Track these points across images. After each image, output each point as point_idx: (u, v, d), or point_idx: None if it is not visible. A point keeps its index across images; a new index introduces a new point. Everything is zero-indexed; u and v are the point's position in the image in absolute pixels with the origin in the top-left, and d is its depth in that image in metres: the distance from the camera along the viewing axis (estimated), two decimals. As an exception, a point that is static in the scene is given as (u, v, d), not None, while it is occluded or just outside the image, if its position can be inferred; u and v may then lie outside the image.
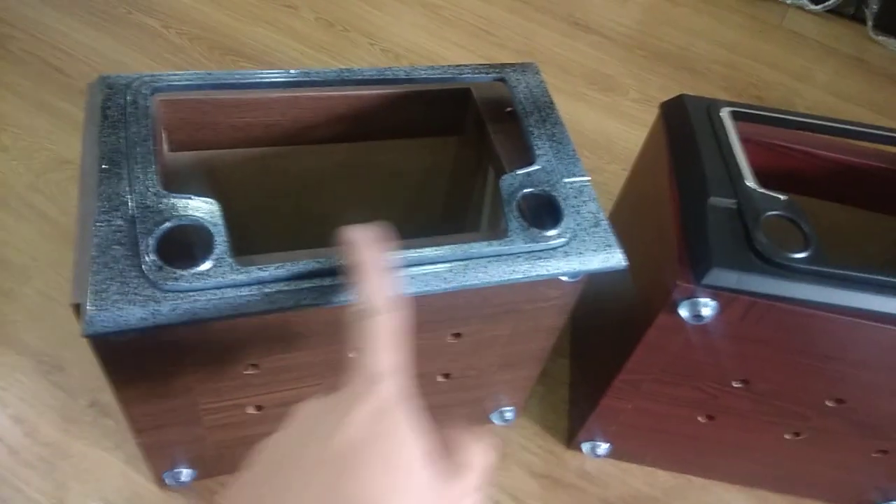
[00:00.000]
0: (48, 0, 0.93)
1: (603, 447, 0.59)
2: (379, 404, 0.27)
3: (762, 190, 0.43)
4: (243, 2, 0.99)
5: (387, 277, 0.31)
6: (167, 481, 0.52)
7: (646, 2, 1.18)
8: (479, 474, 0.29)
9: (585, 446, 0.59)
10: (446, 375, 0.52)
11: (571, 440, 0.61)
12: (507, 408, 0.60)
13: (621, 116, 0.95)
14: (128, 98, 0.40)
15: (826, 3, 1.19)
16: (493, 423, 0.61)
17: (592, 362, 0.59)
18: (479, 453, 0.30)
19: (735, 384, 0.48)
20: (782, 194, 0.43)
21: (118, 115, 0.39)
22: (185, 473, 0.52)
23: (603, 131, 0.92)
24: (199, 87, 0.43)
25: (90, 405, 0.58)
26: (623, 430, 0.57)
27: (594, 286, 0.46)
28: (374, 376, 0.28)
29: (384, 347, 0.29)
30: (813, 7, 1.20)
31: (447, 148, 0.55)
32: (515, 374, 0.55)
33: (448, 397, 0.55)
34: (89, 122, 0.40)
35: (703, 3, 1.18)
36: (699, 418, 0.53)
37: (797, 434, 0.52)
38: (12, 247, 0.67)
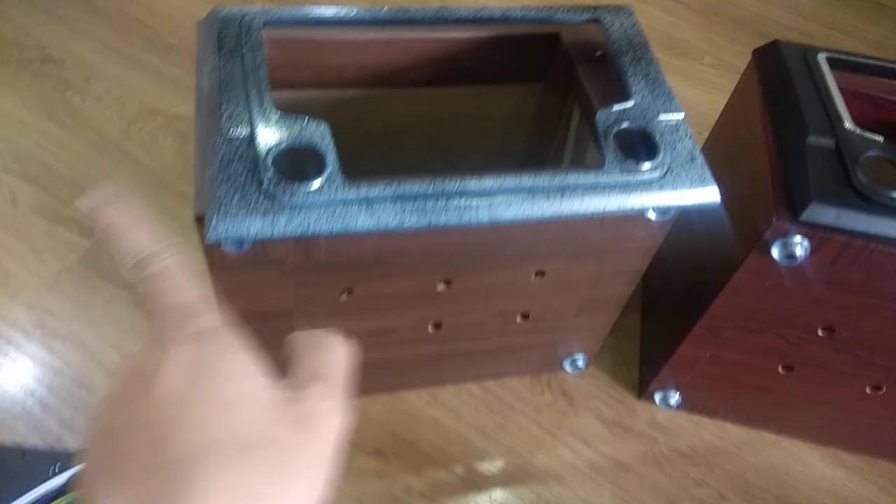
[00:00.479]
0: (135, -40, 0.96)
1: (675, 397, 0.60)
2: (196, 342, 0.24)
3: (861, 131, 0.42)
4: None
5: (146, 226, 0.27)
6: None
7: (721, -33, 1.15)
8: (335, 379, 0.26)
9: (657, 395, 0.60)
10: (525, 316, 0.53)
11: (643, 391, 0.61)
12: (580, 355, 0.61)
13: (696, 81, 0.93)
14: (242, 29, 0.42)
15: (912, -29, 1.15)
16: (565, 370, 0.62)
17: (669, 312, 0.60)
18: (331, 356, 0.26)
19: (820, 332, 0.48)
20: (880, 136, 0.42)
21: (234, 44, 0.41)
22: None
23: (678, 95, 0.91)
24: (305, 22, 0.45)
25: (182, 336, 0.61)
26: (697, 381, 0.57)
27: (673, 233, 0.46)
28: (182, 315, 0.25)
29: (180, 286, 0.26)
30: (897, -26, 1.16)
31: (531, 95, 0.55)
32: (592, 319, 0.56)
33: (524, 339, 0.56)
34: (203, 51, 0.42)
35: (781, -30, 1.15)
36: (778, 369, 0.53)
37: (878, 388, 0.52)
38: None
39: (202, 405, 0.23)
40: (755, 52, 0.51)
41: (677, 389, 0.59)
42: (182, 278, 0.26)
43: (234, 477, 0.22)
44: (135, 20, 0.88)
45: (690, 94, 0.92)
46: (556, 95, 0.54)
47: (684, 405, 0.60)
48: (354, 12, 0.46)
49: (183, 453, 0.22)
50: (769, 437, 0.61)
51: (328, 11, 0.46)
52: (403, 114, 0.55)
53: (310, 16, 0.46)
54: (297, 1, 0.95)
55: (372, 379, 0.57)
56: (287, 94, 0.51)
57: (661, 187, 0.40)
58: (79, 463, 0.24)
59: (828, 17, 1.08)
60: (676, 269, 0.60)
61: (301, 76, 0.50)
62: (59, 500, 0.50)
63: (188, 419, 0.22)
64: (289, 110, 0.39)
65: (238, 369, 0.24)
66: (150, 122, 0.77)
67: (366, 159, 0.58)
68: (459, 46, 0.51)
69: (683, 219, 0.45)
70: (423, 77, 0.53)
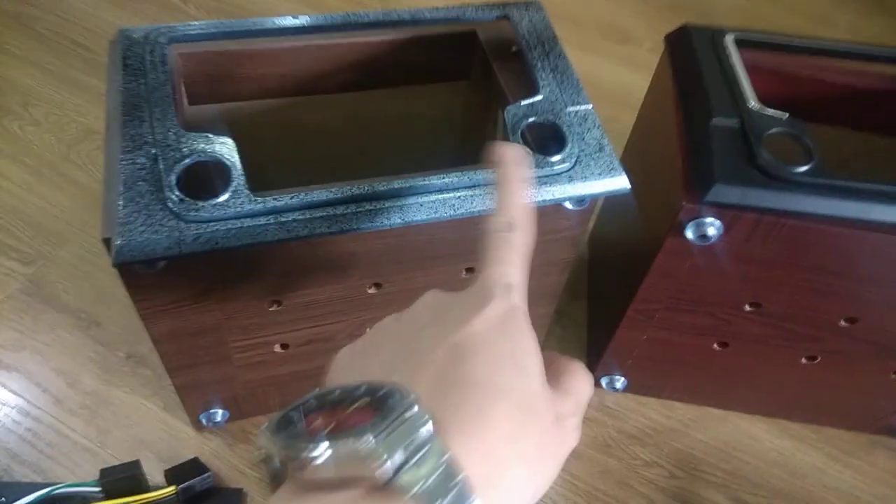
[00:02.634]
0: (69, -20, 0.96)
1: (620, 381, 0.60)
2: (508, 310, 0.27)
3: (765, 109, 0.43)
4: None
5: (527, 198, 0.31)
6: (203, 422, 0.55)
7: (659, -49, 1.16)
8: (582, 403, 0.29)
9: (603, 381, 0.61)
10: (464, 313, 0.53)
11: (590, 377, 0.62)
12: (527, 347, 0.61)
13: (637, 67, 0.94)
14: (146, 48, 0.42)
15: (846, -56, 1.16)
16: (513, 362, 0.63)
17: (608, 299, 0.60)
18: (584, 381, 0.29)
19: (747, 308, 0.49)
20: (784, 113, 0.43)
21: (138, 63, 0.41)
22: (220, 414, 0.55)
23: (619, 82, 0.92)
24: (212, 36, 0.45)
25: (128, 357, 0.61)
26: (639, 363, 0.58)
27: (608, 224, 0.47)
28: (506, 285, 0.28)
29: (517, 262, 0.29)
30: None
31: (456, 93, 0.56)
32: (532, 310, 0.56)
33: (467, 335, 0.56)
34: (112, 73, 0.42)
35: (717, -50, 1.17)
36: (713, 346, 0.54)
37: (812, 358, 0.53)
38: (48, 213, 0.70)
39: (503, 356, 0.26)
40: (667, 36, 0.52)
41: (622, 373, 0.60)
42: (519, 258, 0.30)
43: (513, 426, 0.24)
44: (72, 42, 0.88)
45: (631, 79, 0.92)
46: (479, 93, 0.55)
47: (630, 388, 0.61)
48: (261, 23, 0.46)
49: (482, 382, 0.25)
50: (716, 412, 0.62)
51: (236, 24, 0.46)
52: (329, 120, 0.55)
53: (219, 29, 0.46)
54: (242, 14, 0.95)
55: (317, 388, 0.57)
56: (207, 108, 0.51)
57: (570, 179, 0.41)
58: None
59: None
60: (612, 254, 0.61)
61: (220, 89, 0.50)
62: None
63: (492, 360, 0.25)
64: (209, 125, 0.39)
65: (531, 348, 0.27)
66: (90, 143, 0.77)
67: (293, 169, 0.58)
68: (378, 49, 0.52)
69: (614, 203, 0.45)
70: (345, 82, 0.53)
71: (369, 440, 0.21)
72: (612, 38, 0.99)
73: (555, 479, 0.26)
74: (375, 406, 0.23)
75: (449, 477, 0.22)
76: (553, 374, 0.28)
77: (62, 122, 0.79)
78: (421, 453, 0.22)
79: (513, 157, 0.32)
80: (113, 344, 0.61)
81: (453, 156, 0.60)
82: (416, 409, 0.22)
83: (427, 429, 0.22)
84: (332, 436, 0.22)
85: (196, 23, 0.45)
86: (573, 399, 0.28)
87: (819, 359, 0.53)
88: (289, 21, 0.47)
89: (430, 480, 0.21)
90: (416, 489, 0.21)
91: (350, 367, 0.28)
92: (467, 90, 0.56)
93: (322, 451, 0.22)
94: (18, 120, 0.78)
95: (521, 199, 0.31)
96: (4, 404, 0.57)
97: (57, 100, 0.81)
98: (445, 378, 0.25)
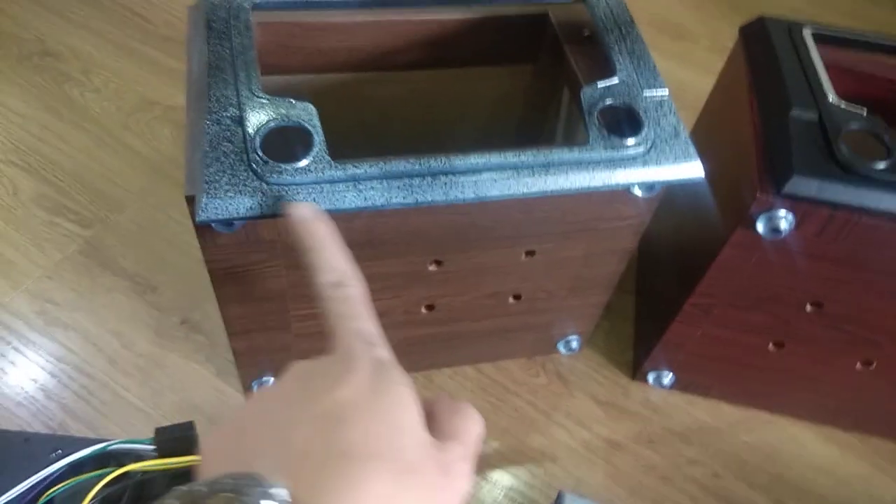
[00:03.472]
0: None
1: (668, 377, 0.60)
2: (376, 367, 0.27)
3: (844, 105, 0.43)
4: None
5: (342, 249, 0.30)
6: (255, 389, 0.56)
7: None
8: (470, 445, 0.28)
9: (651, 376, 0.61)
10: (517, 297, 0.54)
11: (637, 371, 0.62)
12: (574, 336, 0.61)
13: (693, 65, 0.93)
14: (231, 12, 0.43)
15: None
16: (559, 351, 0.63)
17: (661, 292, 0.60)
18: (470, 423, 0.29)
19: (808, 307, 0.49)
20: (863, 109, 0.42)
21: (222, 27, 0.42)
22: (268, 382, 0.55)
23: (674, 79, 0.91)
24: (293, 5, 0.45)
25: (182, 322, 0.62)
26: (689, 360, 0.58)
27: (661, 217, 0.47)
28: (367, 342, 0.28)
29: (366, 315, 0.29)
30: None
31: (521, 76, 0.56)
32: (585, 299, 0.56)
33: (517, 320, 0.57)
34: (194, 35, 0.43)
35: (779, -48, 1.15)
36: (768, 346, 0.53)
37: (868, 364, 0.52)
38: (108, 179, 0.71)
39: (375, 418, 0.25)
40: (742, 28, 0.51)
41: (670, 369, 0.59)
42: (365, 308, 0.29)
43: (391, 491, 0.23)
44: (131, 12, 0.89)
45: (686, 76, 0.92)
46: (545, 75, 0.55)
47: (678, 385, 0.61)
48: (342, -5, 0.47)
49: (352, 452, 0.24)
50: (763, 415, 0.61)
51: (316, -5, 0.47)
52: (395, 97, 0.56)
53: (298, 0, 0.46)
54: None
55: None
56: (278, 79, 0.51)
57: (645, 163, 0.41)
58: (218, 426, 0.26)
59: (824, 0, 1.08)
60: (667, 248, 0.60)
61: (291, 61, 0.51)
62: (60, 484, 0.51)
63: (362, 426, 0.25)
64: (279, 95, 0.39)
65: (406, 401, 0.26)
66: (149, 112, 0.78)
67: (358, 142, 0.58)
68: (449, 29, 0.52)
69: (673, 197, 0.45)
70: (414, 60, 0.53)
71: None
72: (668, 34, 0.98)
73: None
74: (239, 499, 0.22)
75: None
76: (438, 419, 0.28)
77: (121, 90, 0.80)
78: None
79: (310, 213, 0.31)
80: (168, 309, 0.62)
81: (515, 136, 0.60)
82: (279, 495, 0.22)
83: None
84: None
85: (281, -11, 0.45)
86: (459, 444, 0.28)
87: (875, 364, 0.52)
88: (367, -6, 0.47)
89: None
90: None
91: (221, 454, 0.26)
92: (534, 72, 0.56)
93: None
94: (80, 87, 0.80)
95: (338, 251, 0.30)
96: (60, 360, 0.59)
97: (116, 68, 0.82)
98: (314, 455, 0.24)
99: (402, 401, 0.26)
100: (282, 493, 0.22)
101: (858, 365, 0.53)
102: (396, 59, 0.53)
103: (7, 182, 0.70)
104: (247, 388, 0.56)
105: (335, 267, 0.30)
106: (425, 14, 0.50)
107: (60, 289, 0.63)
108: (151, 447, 0.51)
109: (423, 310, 0.52)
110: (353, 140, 0.57)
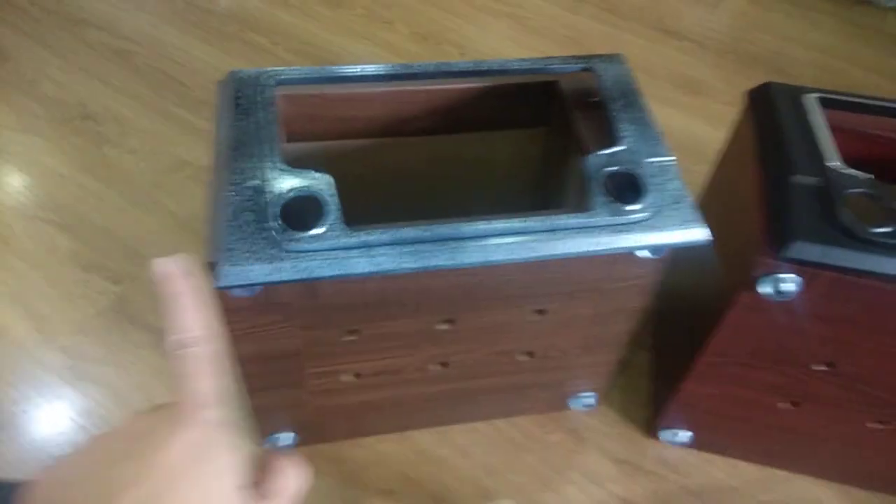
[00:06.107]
0: (167, 19, 1.03)
1: (684, 435, 0.60)
2: (202, 430, 0.28)
3: (846, 169, 0.44)
4: (344, 19, 1.06)
5: (201, 306, 0.30)
6: (267, 447, 0.57)
7: (737, 7, 1.18)
8: (290, 499, 0.30)
9: (666, 434, 0.60)
10: (530, 354, 0.54)
11: (652, 429, 0.62)
12: (588, 393, 0.61)
13: (710, 119, 0.95)
14: (256, 89, 0.45)
15: (927, 6, 1.15)
16: (572, 408, 0.63)
17: (676, 350, 0.60)
18: (290, 480, 0.30)
19: (821, 367, 0.49)
20: (866, 174, 0.43)
21: (248, 103, 0.45)
22: (284, 438, 0.57)
23: (692, 134, 0.93)
24: (317, 80, 0.48)
25: (204, 376, 0.64)
26: (705, 418, 0.57)
27: (677, 275, 0.47)
28: (198, 404, 0.29)
29: (206, 375, 0.29)
30: (913, 10, 1.16)
31: (535, 139, 0.58)
32: (597, 357, 0.57)
33: (530, 377, 0.57)
34: (222, 111, 0.46)
35: (795, 8, 1.17)
36: (783, 405, 0.53)
37: (882, 423, 0.52)
38: (138, 237, 0.75)
39: (189, 486, 0.27)
40: (749, 92, 0.53)
41: (686, 427, 0.59)
42: (208, 369, 0.30)
43: None
44: (168, 77, 0.94)
45: (704, 131, 0.93)
46: (557, 139, 0.56)
47: (694, 443, 0.60)
48: (360, 69, 0.49)
49: None
50: (780, 473, 0.61)
51: (338, 70, 0.49)
52: (412, 161, 0.58)
53: (321, 74, 0.49)
54: (323, 55, 1.00)
55: (382, 419, 0.59)
56: (302, 146, 0.54)
57: (648, 228, 0.42)
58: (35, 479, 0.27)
59: (845, 52, 1.09)
60: (682, 306, 0.61)
61: (314, 129, 0.53)
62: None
63: (175, 493, 0.26)
64: (303, 161, 0.42)
65: (225, 468, 0.28)
66: (181, 172, 0.82)
67: (376, 205, 0.60)
68: (463, 96, 0.54)
69: (686, 257, 0.46)
70: (429, 126, 0.56)
71: None
72: (686, 90, 1.00)
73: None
74: None
75: None
76: (265, 477, 0.30)
77: (156, 151, 0.84)
78: None
79: (173, 268, 0.31)
80: (191, 363, 0.64)
81: (530, 199, 0.62)
82: None
83: None
84: None
85: (300, 68, 0.48)
86: (278, 500, 0.30)
87: (891, 425, 0.52)
88: (384, 68, 0.50)
89: None
90: None
91: (45, 501, 0.27)
92: (546, 136, 0.57)
93: None
94: (117, 148, 0.84)
95: (194, 309, 0.30)
96: (89, 414, 0.61)
97: (152, 130, 0.86)
98: None
99: (220, 468, 0.28)
100: None
101: (871, 424, 0.52)
102: (414, 125, 0.55)
103: (47, 239, 0.73)
104: (261, 446, 0.57)
105: (183, 326, 0.30)
106: (439, 84, 0.52)
107: (91, 344, 0.66)
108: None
109: (437, 367, 0.54)
110: (371, 202, 0.59)
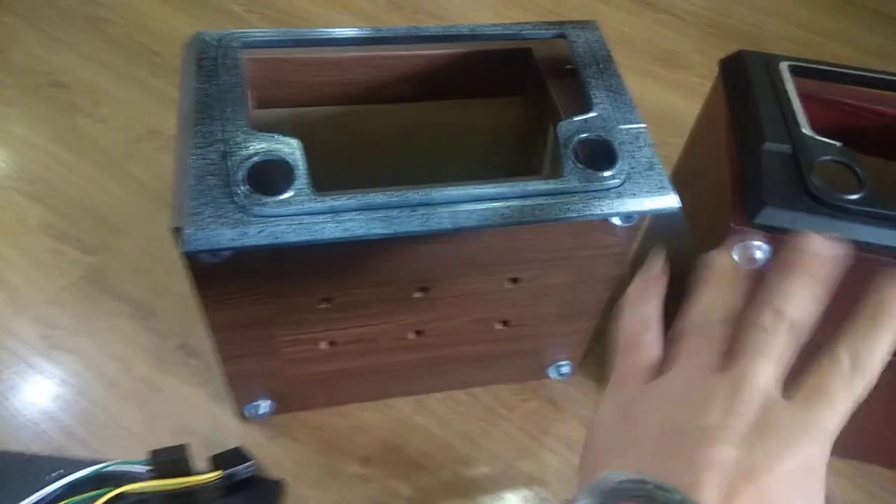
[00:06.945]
0: (141, -13, 1.01)
1: (658, 402, 0.60)
2: (817, 455, 0.30)
3: (817, 136, 0.44)
4: (319, -14, 1.04)
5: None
6: (246, 414, 0.57)
7: (715, -20, 1.17)
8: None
9: (641, 401, 0.61)
10: (505, 322, 0.54)
11: (627, 396, 0.62)
12: (565, 362, 0.62)
13: (688, 92, 0.95)
14: (220, 51, 0.44)
15: (908, -22, 1.15)
16: (549, 377, 0.63)
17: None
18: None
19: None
20: (837, 141, 0.43)
21: (211, 65, 0.44)
22: (263, 406, 0.56)
23: (669, 107, 0.93)
24: (282, 43, 0.47)
25: (179, 347, 0.63)
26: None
27: (651, 244, 0.47)
28: (827, 429, 0.31)
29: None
30: (894, -18, 1.16)
31: (509, 108, 0.57)
32: (572, 325, 0.57)
33: (507, 346, 0.57)
34: (186, 73, 0.45)
35: (775, -19, 1.17)
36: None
37: (856, 390, 0.52)
38: (111, 207, 0.73)
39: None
40: (721, 61, 0.53)
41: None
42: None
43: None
44: (141, 45, 0.92)
45: (682, 104, 0.93)
46: (532, 108, 0.56)
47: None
48: (329, 33, 0.48)
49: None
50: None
51: (306, 33, 0.48)
52: (386, 128, 0.57)
53: (288, 37, 0.48)
54: (301, 25, 0.98)
55: (359, 387, 0.59)
56: (272, 113, 0.53)
57: (619, 195, 0.42)
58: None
59: (823, 26, 1.09)
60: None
61: (285, 95, 0.52)
62: (60, 503, 0.52)
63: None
64: (273, 128, 0.41)
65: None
66: (154, 142, 0.80)
67: (349, 174, 0.60)
68: (436, 63, 0.53)
69: (659, 225, 0.46)
70: (404, 92, 0.55)
71: None
72: (664, 62, 0.99)
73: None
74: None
75: None
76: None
77: (128, 120, 0.82)
78: None
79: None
80: (166, 334, 0.64)
81: (505, 168, 0.62)
82: None
83: None
84: None
85: (266, 30, 0.47)
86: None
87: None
88: (353, 32, 0.49)
89: None
90: None
91: (614, 437, 0.30)
92: (520, 105, 0.57)
93: None
94: (88, 117, 0.82)
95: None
96: (63, 383, 0.60)
97: (125, 99, 0.85)
98: (735, 490, 0.26)
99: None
100: None
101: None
102: (386, 92, 0.54)
103: (16, 209, 0.72)
104: (239, 414, 0.57)
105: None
106: (412, 50, 0.52)
107: (63, 314, 0.65)
108: (147, 468, 0.53)
109: (412, 335, 0.53)
110: (345, 171, 0.58)
